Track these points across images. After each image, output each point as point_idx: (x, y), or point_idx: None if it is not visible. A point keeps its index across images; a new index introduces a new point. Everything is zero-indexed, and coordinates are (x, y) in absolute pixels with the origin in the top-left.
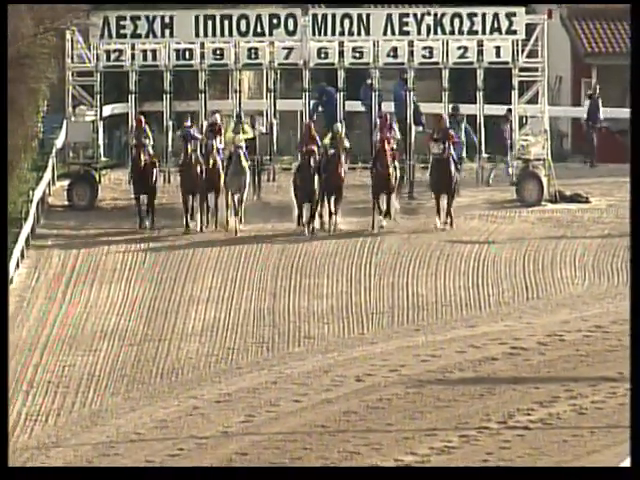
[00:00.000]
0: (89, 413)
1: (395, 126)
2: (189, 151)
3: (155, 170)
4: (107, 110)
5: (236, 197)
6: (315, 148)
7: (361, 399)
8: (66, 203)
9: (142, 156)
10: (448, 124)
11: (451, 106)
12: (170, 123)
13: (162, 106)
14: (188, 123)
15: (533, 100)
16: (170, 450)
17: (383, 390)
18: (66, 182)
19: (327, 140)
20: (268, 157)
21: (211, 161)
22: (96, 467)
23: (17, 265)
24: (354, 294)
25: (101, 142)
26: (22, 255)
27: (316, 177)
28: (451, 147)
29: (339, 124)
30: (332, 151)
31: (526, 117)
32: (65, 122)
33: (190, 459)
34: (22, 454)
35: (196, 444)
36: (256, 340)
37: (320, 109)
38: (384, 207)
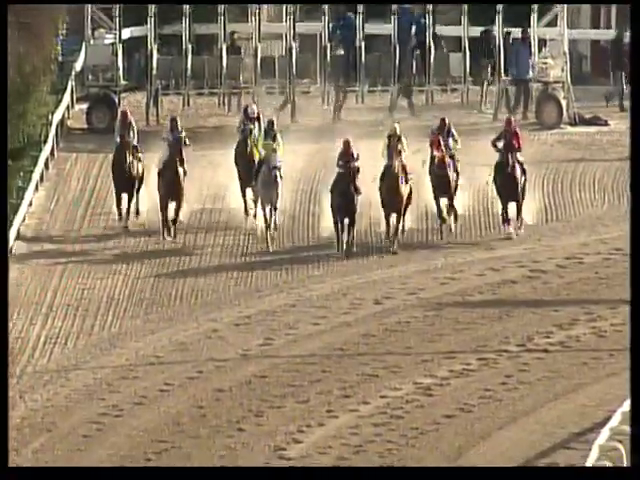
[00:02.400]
0: (108, 336)
1: (454, 132)
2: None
3: (140, 168)
4: (126, 33)
5: (267, 208)
6: (355, 165)
7: (380, 322)
8: (85, 126)
9: (127, 156)
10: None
11: (482, 29)
12: (189, 46)
13: (181, 29)
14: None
15: (552, 23)
16: (189, 373)
17: (402, 313)
18: (85, 105)
19: (382, 149)
20: (287, 80)
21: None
22: (96, 467)
23: (36, 188)
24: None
25: (120, 65)
26: (41, 178)
27: (356, 196)
28: (516, 153)
29: (396, 125)
30: (387, 162)
31: (545, 40)
32: (84, 45)
33: (209, 381)
34: (42, 377)
35: (215, 366)
36: (275, 262)
37: (338, 32)
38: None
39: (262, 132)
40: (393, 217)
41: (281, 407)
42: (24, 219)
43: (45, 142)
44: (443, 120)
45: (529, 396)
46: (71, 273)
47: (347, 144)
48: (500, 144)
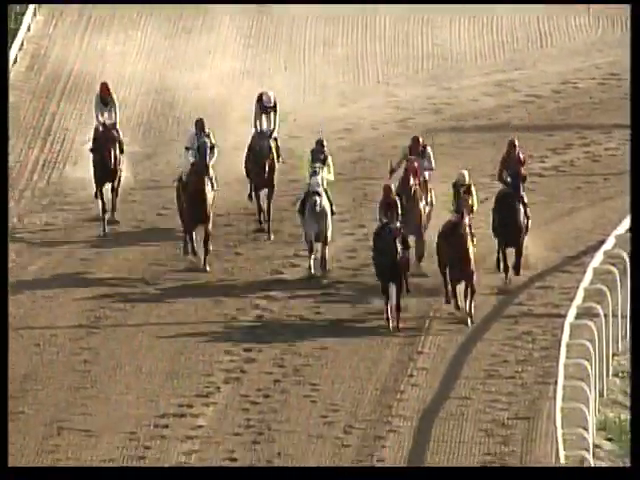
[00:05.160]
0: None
1: (430, 152)
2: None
3: (121, 159)
4: None
5: (318, 245)
6: (396, 213)
7: (376, 147)
8: None
9: (108, 143)
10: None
11: None
12: None
13: None
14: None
15: None
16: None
17: (398, 138)
18: None
19: (451, 202)
20: None
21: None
22: (96, 467)
23: (34, 13)
24: (369, 42)
25: None
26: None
27: (401, 253)
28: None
29: (465, 172)
30: (454, 217)
31: None
32: None
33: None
34: (40, 200)
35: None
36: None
37: None
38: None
39: (310, 154)
40: (461, 284)
41: (278, 231)
42: (22, 44)
43: None
44: (417, 140)
45: None
46: (69, 97)
47: (388, 190)
48: (507, 176)
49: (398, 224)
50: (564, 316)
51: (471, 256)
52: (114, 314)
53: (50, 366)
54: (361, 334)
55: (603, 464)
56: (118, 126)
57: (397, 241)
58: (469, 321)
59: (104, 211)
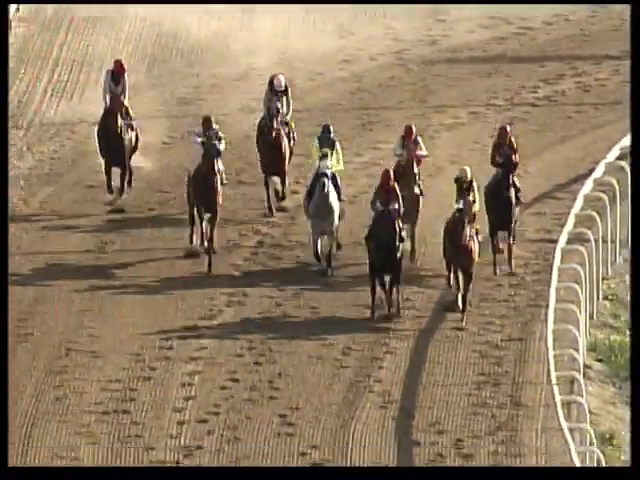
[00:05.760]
0: None
1: (420, 140)
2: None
3: (133, 136)
4: None
5: (325, 238)
6: (397, 205)
7: (374, 77)
8: None
9: (118, 121)
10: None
11: None
12: None
13: None
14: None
15: None
16: (190, 126)
17: (395, 69)
18: None
19: (455, 201)
20: None
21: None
22: (97, 467)
23: None
24: None
25: None
26: None
27: (400, 245)
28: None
29: (467, 169)
30: (458, 210)
31: None
32: None
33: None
34: (48, 130)
35: (216, 120)
36: None
37: None
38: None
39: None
40: (458, 277)
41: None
42: None
43: None
44: (409, 128)
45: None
46: (77, 28)
47: (387, 176)
48: (500, 159)
49: (399, 209)
50: (555, 241)
51: (474, 253)
52: (120, 239)
53: (58, 289)
54: (360, 262)
55: (593, 384)
56: (127, 103)
57: (398, 227)
58: (463, 324)
59: (110, 191)
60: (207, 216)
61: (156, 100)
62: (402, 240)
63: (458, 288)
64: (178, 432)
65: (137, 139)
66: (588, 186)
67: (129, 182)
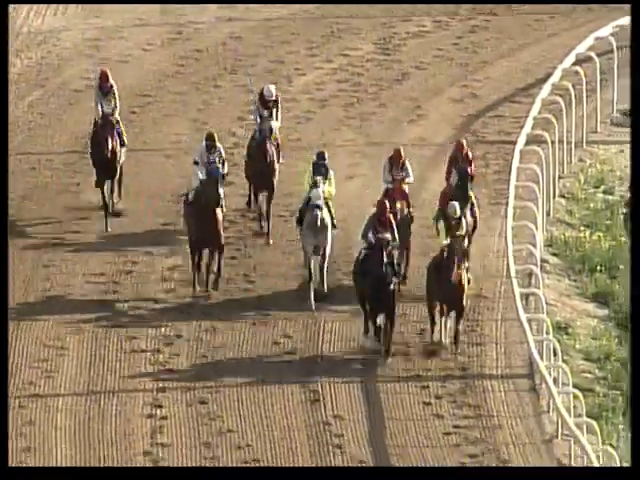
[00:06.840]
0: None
1: (408, 166)
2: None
3: (122, 153)
4: None
5: (316, 259)
6: (390, 237)
7: None
8: None
9: (109, 137)
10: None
11: None
12: None
13: None
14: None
15: None
16: (170, 34)
17: None
18: None
19: (442, 237)
20: None
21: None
22: (97, 467)
23: None
24: None
25: None
26: None
27: (394, 279)
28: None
29: (456, 204)
30: (446, 253)
31: None
32: None
33: (188, 42)
34: (36, 37)
35: (194, 28)
36: None
37: None
38: None
39: (311, 169)
40: (449, 317)
41: (254, 65)
42: None
43: None
44: (398, 152)
45: (478, 55)
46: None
47: (384, 208)
48: (455, 176)
49: (393, 244)
50: (515, 142)
51: (463, 288)
52: None
53: (45, 188)
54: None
55: (550, 277)
56: (118, 116)
57: (388, 264)
58: (456, 350)
59: (106, 207)
60: (208, 251)
61: (141, 9)
62: (397, 276)
63: (441, 325)
64: (159, 322)
65: (122, 156)
66: (546, 90)
67: (119, 193)
